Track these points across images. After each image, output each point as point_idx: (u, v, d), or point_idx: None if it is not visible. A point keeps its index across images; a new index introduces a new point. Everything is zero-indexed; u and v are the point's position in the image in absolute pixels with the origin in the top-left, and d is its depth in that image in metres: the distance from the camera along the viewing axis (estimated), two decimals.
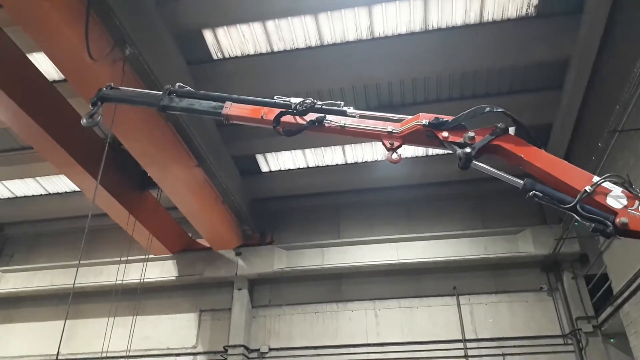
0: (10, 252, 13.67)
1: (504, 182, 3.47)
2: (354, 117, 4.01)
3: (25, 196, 12.79)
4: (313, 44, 8.46)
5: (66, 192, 12.53)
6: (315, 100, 4.08)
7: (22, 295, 12.53)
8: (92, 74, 6.51)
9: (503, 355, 10.02)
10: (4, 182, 12.25)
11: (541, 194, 3.20)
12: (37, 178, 12.12)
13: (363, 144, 10.73)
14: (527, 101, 9.41)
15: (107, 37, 6.65)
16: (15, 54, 7.29)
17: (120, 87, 5.11)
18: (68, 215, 12.93)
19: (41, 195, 12.71)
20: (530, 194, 3.22)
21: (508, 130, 3.50)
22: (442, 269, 11.02)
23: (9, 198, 12.86)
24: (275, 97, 4.28)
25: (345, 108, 4.09)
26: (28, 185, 12.43)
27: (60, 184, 12.29)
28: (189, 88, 4.61)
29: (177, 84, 4.64)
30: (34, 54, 8.00)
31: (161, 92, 4.63)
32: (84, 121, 4.76)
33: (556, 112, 9.46)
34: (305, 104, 4.06)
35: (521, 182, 3.29)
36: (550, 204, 3.22)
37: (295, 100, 4.14)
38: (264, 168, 11.60)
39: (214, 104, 4.41)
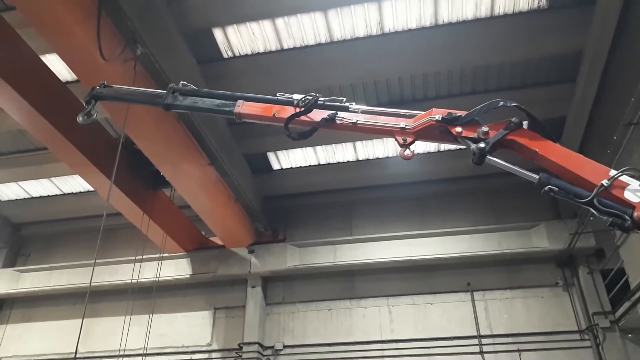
0: (27, 252, 13.86)
1: (517, 177, 3.44)
2: (357, 112, 4.02)
3: (40, 196, 12.96)
4: (323, 41, 8.44)
5: (80, 192, 12.67)
6: (317, 95, 4.10)
7: (40, 295, 12.69)
8: (104, 74, 6.53)
9: (519, 351, 9.94)
10: (19, 182, 12.42)
11: (557, 189, 3.16)
12: (52, 178, 12.27)
13: (374, 140, 10.70)
14: (540, 95, 9.31)
15: (118, 37, 6.69)
16: (29, 56, 7.38)
17: (114, 86, 5.19)
18: (83, 215, 13.09)
19: (56, 195, 12.87)
20: (546, 188, 3.18)
21: (522, 124, 3.47)
22: (455, 265, 10.95)
23: (24, 198, 13.04)
24: (277, 94, 4.31)
25: (347, 104, 4.11)
26: (43, 186, 12.59)
27: (75, 184, 12.43)
28: (192, 86, 4.67)
29: (181, 82, 4.70)
30: (47, 55, 8.09)
31: (161, 91, 4.70)
32: (80, 119, 4.92)
33: (570, 106, 9.35)
34: (307, 100, 4.08)
35: (536, 176, 3.25)
36: (566, 199, 3.18)
37: (297, 96, 4.16)
38: (275, 166, 11.62)
39: (217, 101, 4.49)
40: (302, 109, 4.10)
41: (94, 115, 4.97)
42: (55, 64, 8.21)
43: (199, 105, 4.55)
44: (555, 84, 9.25)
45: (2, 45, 6.93)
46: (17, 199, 13.07)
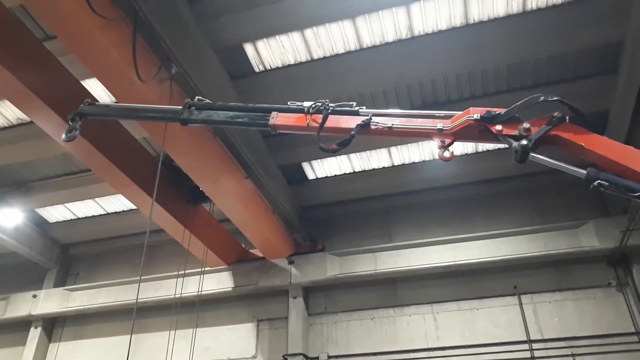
0: (75, 271, 14.31)
1: (561, 174, 3.31)
2: (367, 116, 4.01)
3: (86, 217, 13.41)
4: (352, 48, 8.42)
5: (123, 211, 13.04)
6: (327, 101, 4.15)
7: (89, 312, 13.07)
8: (142, 95, 6.75)
9: (573, 355, 9.53)
10: (66, 204, 12.89)
11: (607, 183, 3.02)
12: (96, 199, 12.68)
13: (409, 144, 10.58)
14: (580, 88, 8.99)
15: (153, 58, 6.88)
16: (70, 82, 7.68)
17: (97, 103, 5.40)
18: (127, 233, 13.44)
19: (100, 215, 13.29)
20: (595, 183, 3.05)
21: (566, 118, 3.34)
22: (501, 269, 10.63)
23: (71, 220, 13.52)
24: (288, 103, 4.37)
25: (357, 108, 4.14)
26: (88, 206, 13.03)
27: (118, 203, 12.80)
28: (207, 100, 4.79)
29: (196, 97, 4.83)
30: (87, 80, 8.39)
31: (177, 107, 4.85)
32: (63, 136, 5.10)
33: (613, 98, 8.99)
34: (317, 107, 4.15)
35: (584, 171, 3.12)
36: (617, 193, 3.05)
37: (307, 103, 4.22)
38: (311, 175, 11.65)
39: (230, 113, 4.59)
40: (312, 115, 4.17)
41: (76, 133, 5.12)
42: (95, 88, 8.51)
43: (214, 118, 4.66)
44: (596, 76, 8.92)
45: (46, 73, 7.24)
46: (64, 220, 13.57)
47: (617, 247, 9.81)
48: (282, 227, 11.19)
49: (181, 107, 4.75)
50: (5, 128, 10.06)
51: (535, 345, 9.83)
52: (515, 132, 3.42)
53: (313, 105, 4.18)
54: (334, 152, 4.06)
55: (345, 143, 3.99)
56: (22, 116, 9.60)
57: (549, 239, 10.33)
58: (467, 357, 10.09)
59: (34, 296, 13.34)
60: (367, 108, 4.17)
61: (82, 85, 8.00)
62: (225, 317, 12.15)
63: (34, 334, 13.17)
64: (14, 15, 7.32)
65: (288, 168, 11.21)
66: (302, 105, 4.26)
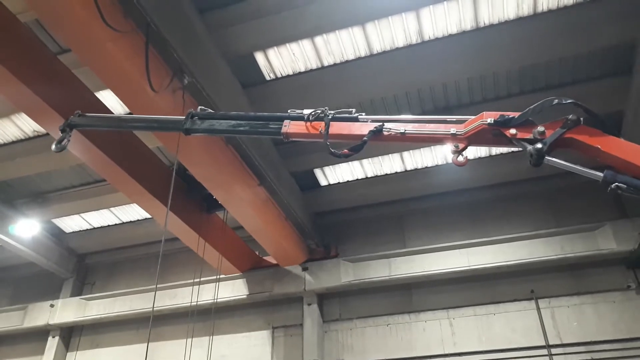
0: (92, 281, 14.43)
1: (575, 177, 3.30)
2: (366, 122, 4.06)
3: (101, 227, 13.55)
4: (362, 54, 8.44)
5: (138, 220, 13.15)
6: (326, 109, 4.22)
7: (105, 321, 13.16)
8: (155, 106, 6.83)
9: None
10: (82, 214, 13.05)
11: (625, 186, 3.00)
12: (111, 208, 12.82)
13: (422, 149, 10.54)
14: (594, 90, 8.89)
15: (165, 69, 6.95)
16: (85, 94, 7.79)
17: (87, 114, 5.45)
18: (142, 242, 13.55)
19: (116, 224, 13.42)
20: (613, 186, 3.03)
21: (581, 121, 3.32)
22: (517, 273, 10.50)
23: (87, 229, 13.67)
24: (289, 111, 4.43)
25: (356, 114, 4.18)
26: (103, 216, 13.17)
27: (133, 212, 12.91)
28: (210, 110, 4.88)
29: (199, 107, 4.92)
30: (101, 92, 8.51)
31: (179, 117, 4.92)
32: (53, 147, 5.18)
33: (627, 99, 8.88)
34: (316, 114, 4.21)
35: (600, 174, 3.09)
36: (635, 196, 3.01)
37: (307, 111, 4.28)
38: (323, 182, 11.65)
39: (233, 122, 4.66)
40: (312, 121, 4.24)
41: (65, 143, 5.20)
42: (108, 99, 8.62)
43: (216, 127, 4.75)
44: (610, 77, 8.82)
45: (61, 85, 7.35)
46: (80, 230, 13.73)
47: (636, 249, 9.65)
48: (295, 234, 11.20)
49: (183, 117, 4.83)
50: (21, 140, 10.25)
51: (554, 350, 9.68)
52: (529, 136, 3.41)
53: (312, 113, 4.23)
54: (346, 157, 4.08)
55: (357, 148, 4.02)
56: (38, 128, 9.77)
57: (566, 242, 10.19)
58: None
59: (52, 306, 13.49)
60: (377, 114, 4.19)
61: (96, 97, 8.12)
62: (240, 325, 12.16)
63: (52, 343, 13.30)
64: (29, 29, 7.47)
65: (300, 175, 11.23)
66: (302, 113, 4.30)
